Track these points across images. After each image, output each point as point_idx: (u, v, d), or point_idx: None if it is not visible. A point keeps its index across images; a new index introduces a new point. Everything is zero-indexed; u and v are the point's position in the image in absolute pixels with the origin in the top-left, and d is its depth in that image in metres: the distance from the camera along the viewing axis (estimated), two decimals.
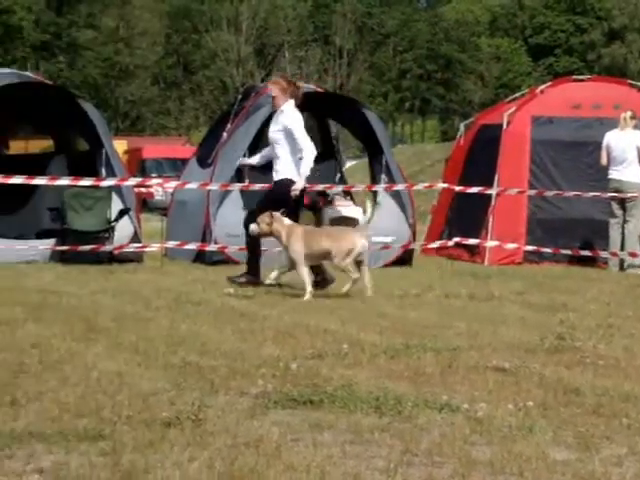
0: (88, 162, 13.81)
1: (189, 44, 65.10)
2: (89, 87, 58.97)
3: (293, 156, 10.43)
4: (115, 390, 5.07)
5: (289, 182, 10.37)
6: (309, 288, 9.45)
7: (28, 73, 15.96)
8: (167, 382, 5.33)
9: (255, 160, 11.39)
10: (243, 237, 13.68)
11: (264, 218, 9.85)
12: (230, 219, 13.71)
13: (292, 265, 9.71)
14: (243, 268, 10.76)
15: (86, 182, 12.83)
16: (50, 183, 12.82)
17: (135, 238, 13.60)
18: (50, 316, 7.73)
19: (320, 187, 14.53)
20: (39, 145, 16.84)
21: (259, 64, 62.60)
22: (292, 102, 10.40)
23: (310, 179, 14.60)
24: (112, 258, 13.19)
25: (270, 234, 9.84)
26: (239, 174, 14.15)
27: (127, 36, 62.64)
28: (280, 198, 10.34)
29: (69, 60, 61.37)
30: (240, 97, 15.53)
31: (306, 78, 50.29)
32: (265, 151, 11.04)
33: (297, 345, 6.58)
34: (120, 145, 28.60)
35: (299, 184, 10.34)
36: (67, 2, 62.03)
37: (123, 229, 13.54)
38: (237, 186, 13.82)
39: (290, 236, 9.62)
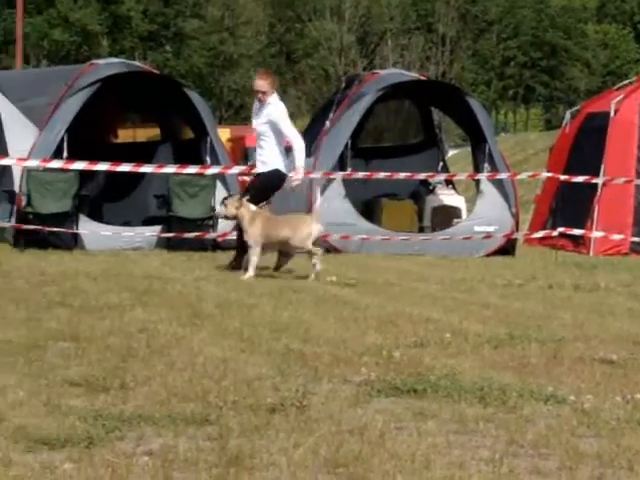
0: (193, 150, 13.99)
1: (292, 33, 65.37)
2: (194, 76, 59.65)
3: (279, 147, 10.56)
4: (220, 375, 5.13)
5: (279, 174, 10.51)
6: (252, 272, 9.87)
7: (136, 62, 16.24)
8: (271, 368, 5.37)
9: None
10: (345, 225, 13.79)
11: (233, 202, 10.29)
12: (332, 207, 13.75)
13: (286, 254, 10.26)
14: (345, 257, 10.72)
15: (191, 170, 13.00)
16: (156, 171, 13.02)
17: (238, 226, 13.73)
18: (156, 302, 7.86)
19: (422, 176, 14.46)
20: (146, 133, 17.09)
21: (361, 53, 62.49)
22: (276, 94, 10.60)
23: (412, 168, 14.62)
24: (216, 245, 13.35)
25: (234, 217, 10.32)
26: (341, 162, 14.18)
27: (232, 25, 63.18)
28: (269, 189, 10.56)
29: (175, 49, 62.22)
30: (343, 86, 15.55)
31: (408, 66, 50.05)
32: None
33: (400, 334, 6.57)
34: (223, 133, 28.85)
35: (299, 174, 10.45)
36: None
37: None
38: (340, 174, 13.85)
39: (252, 221, 10.05)
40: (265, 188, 10.57)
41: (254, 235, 10.02)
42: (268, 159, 10.56)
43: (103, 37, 59.17)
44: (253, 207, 10.22)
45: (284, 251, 10.30)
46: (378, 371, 5.35)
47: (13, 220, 12.88)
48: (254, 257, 9.95)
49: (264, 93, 10.48)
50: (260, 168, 10.68)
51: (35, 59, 54.27)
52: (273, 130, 10.45)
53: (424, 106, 16.12)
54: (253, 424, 4.20)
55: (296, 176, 10.45)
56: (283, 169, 10.56)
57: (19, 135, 13.20)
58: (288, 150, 10.76)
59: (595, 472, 3.70)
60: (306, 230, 10.04)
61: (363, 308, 7.79)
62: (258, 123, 10.58)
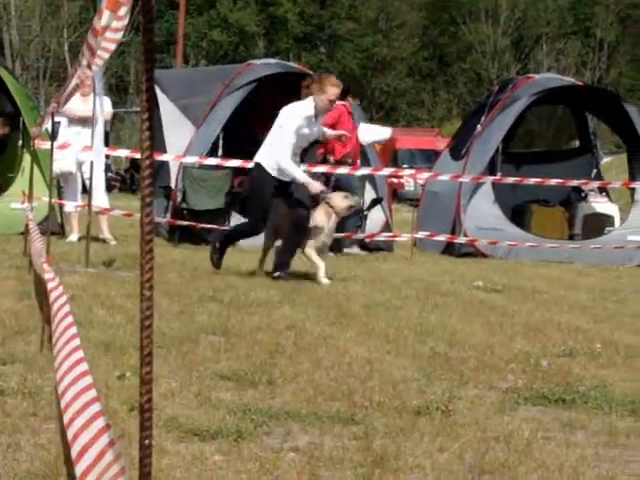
0: None
1: (445, 36, 65.03)
2: (347, 77, 60.02)
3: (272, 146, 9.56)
4: (366, 376, 5.16)
5: (263, 176, 9.49)
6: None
7: (291, 63, 16.45)
8: (416, 371, 5.37)
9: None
10: (493, 231, 13.65)
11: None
12: (481, 212, 13.65)
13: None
14: (493, 262, 10.55)
15: (342, 170, 13.09)
16: (308, 170, 13.15)
17: (386, 227, 13.77)
18: (303, 300, 7.95)
19: (574, 183, 14.21)
20: None
21: (515, 56, 61.70)
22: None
23: (564, 174, 14.34)
24: (364, 246, 13.41)
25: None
26: (491, 166, 14.05)
27: (386, 28, 63.30)
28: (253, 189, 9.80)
29: (329, 51, 62.74)
30: (496, 89, 15.39)
31: (563, 71, 49.14)
32: None
33: (547, 342, 6.47)
34: None
35: (316, 187, 9.56)
36: None
37: (375, 218, 13.73)
38: (489, 179, 13.72)
39: None
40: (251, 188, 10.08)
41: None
42: (261, 150, 9.76)
43: (260, 38, 60.13)
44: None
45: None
46: (525, 379, 5.29)
47: (168, 215, 13.23)
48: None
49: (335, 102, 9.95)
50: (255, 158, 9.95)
51: (194, 59, 55.58)
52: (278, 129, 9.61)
53: (579, 112, 15.83)
54: (398, 426, 4.21)
55: (313, 187, 9.61)
56: (268, 168, 9.58)
57: (177, 133, 13.55)
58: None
59: None
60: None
61: (510, 314, 7.71)
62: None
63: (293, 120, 9.42)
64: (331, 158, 13.25)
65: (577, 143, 16.20)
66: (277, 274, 9.45)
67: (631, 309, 8.51)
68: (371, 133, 12.14)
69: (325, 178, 12.79)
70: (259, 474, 3.52)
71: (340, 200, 9.76)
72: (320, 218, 9.60)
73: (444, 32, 65.82)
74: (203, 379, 4.91)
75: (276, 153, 9.41)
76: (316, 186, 9.62)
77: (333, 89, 9.54)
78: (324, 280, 9.23)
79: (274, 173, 9.45)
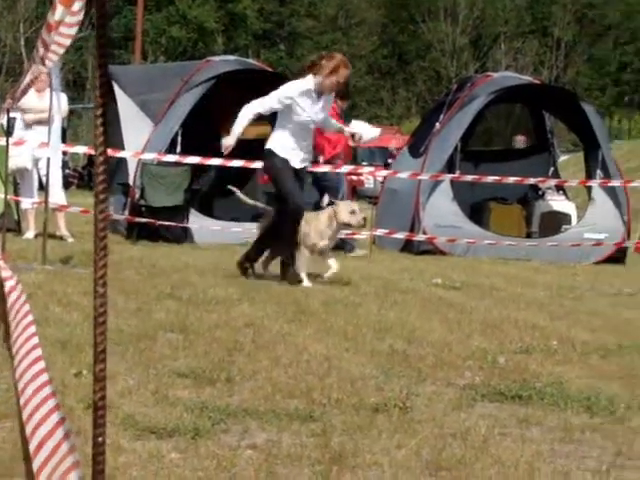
0: None
1: (405, 34, 65.26)
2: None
3: (282, 130, 9.18)
4: (324, 373, 5.16)
5: (275, 161, 9.16)
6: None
7: (250, 60, 16.42)
8: (374, 368, 5.38)
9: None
10: (452, 228, 13.72)
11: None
12: (440, 209, 13.71)
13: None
14: (451, 259, 10.60)
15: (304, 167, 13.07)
16: None
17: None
18: (263, 297, 7.94)
19: (532, 181, 14.31)
20: (256, 131, 17.24)
21: (474, 55, 62.03)
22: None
23: (522, 172, 14.43)
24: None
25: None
26: (450, 164, 14.10)
27: (345, 25, 63.42)
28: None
29: (288, 49, 62.74)
30: (455, 88, 15.46)
31: (521, 70, 49.46)
32: None
33: (505, 339, 6.51)
34: None
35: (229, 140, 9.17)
36: None
37: None
38: (448, 177, 13.78)
39: None
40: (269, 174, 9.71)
41: None
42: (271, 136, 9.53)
43: (219, 34, 59.99)
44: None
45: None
46: (482, 375, 5.32)
47: (126, 212, 13.16)
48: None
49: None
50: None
51: (153, 55, 55.36)
52: (283, 111, 9.23)
53: (536, 110, 15.94)
54: (356, 423, 4.21)
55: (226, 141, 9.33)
56: (277, 150, 9.26)
57: (135, 129, 13.48)
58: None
59: None
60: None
61: (468, 312, 7.74)
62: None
63: (283, 89, 9.08)
64: (320, 158, 13.24)
65: (534, 141, 16.29)
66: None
67: (587, 306, 8.59)
68: (366, 132, 11.95)
69: (313, 178, 12.75)
70: (216, 472, 3.51)
71: (344, 213, 9.28)
72: (323, 220, 9.35)
73: (403, 30, 66.05)
74: (160, 377, 4.88)
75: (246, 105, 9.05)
76: (226, 143, 9.20)
77: (345, 71, 9.09)
78: (306, 281, 9.02)
79: (284, 155, 9.05)
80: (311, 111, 9.09)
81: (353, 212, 9.32)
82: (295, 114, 9.02)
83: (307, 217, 9.25)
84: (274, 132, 9.26)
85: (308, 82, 9.11)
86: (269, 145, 9.20)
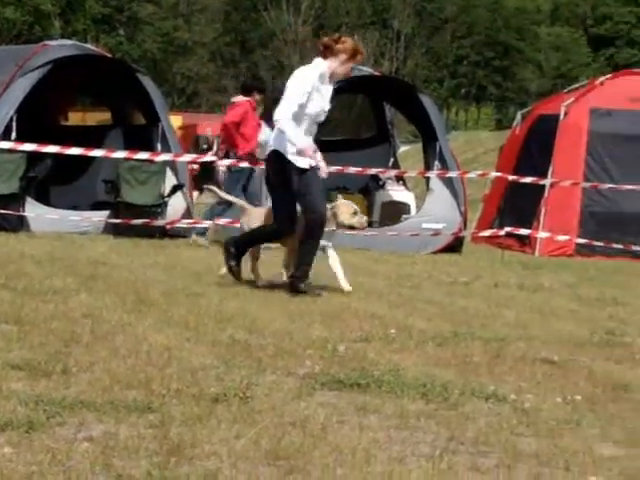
0: (143, 136, 13.91)
1: (248, 22, 65.19)
2: (147, 61, 59.26)
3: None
4: (164, 363, 5.11)
5: (278, 164, 8.25)
6: None
7: (88, 45, 16.11)
8: (215, 358, 5.36)
9: None
10: None
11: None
12: None
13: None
14: None
15: (141, 156, 12.92)
16: (106, 155, 12.93)
17: (187, 214, 13.69)
18: (101, 287, 7.81)
19: (373, 171, 14.51)
20: (96, 117, 16.97)
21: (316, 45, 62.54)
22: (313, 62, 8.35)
23: (363, 162, 14.62)
24: (164, 233, 13.30)
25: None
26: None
27: (187, 12, 62.88)
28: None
29: (129, 34, 61.78)
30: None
31: (362, 61, 50.10)
32: None
33: (345, 328, 6.59)
34: (175, 120, 28.72)
35: (323, 169, 8.30)
36: None
37: (176, 205, 13.64)
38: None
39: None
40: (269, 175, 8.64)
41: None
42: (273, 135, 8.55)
43: (56, 18, 58.55)
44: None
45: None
46: (322, 364, 5.37)
47: None
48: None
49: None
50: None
51: None
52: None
53: (377, 101, 16.17)
54: (195, 413, 4.19)
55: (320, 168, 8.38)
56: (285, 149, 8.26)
57: None
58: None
59: (532, 471, 3.75)
60: None
61: (309, 301, 7.81)
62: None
63: (301, 78, 7.98)
64: (231, 154, 13.10)
65: (375, 132, 16.53)
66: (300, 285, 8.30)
67: (424, 295, 8.78)
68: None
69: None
70: (50, 466, 3.43)
71: (346, 214, 8.75)
72: None
73: (246, 18, 65.97)
74: None
75: (277, 111, 7.96)
76: (323, 167, 8.25)
77: (361, 57, 8.31)
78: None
79: (291, 157, 8.08)
80: (324, 100, 8.13)
81: (355, 213, 8.81)
82: (310, 103, 8.01)
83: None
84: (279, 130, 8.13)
85: (322, 65, 8.13)
86: (276, 145, 8.16)
